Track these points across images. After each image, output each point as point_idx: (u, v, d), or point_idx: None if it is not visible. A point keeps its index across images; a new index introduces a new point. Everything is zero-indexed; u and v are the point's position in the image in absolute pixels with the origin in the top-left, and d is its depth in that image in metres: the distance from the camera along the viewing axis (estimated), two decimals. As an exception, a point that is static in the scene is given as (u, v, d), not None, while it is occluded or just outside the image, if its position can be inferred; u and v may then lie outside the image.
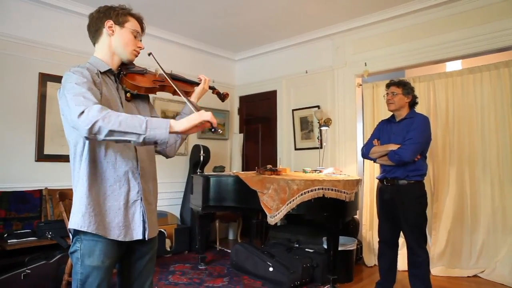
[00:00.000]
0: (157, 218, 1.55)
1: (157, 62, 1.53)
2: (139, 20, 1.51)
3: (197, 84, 1.65)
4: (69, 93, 1.23)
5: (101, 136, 1.16)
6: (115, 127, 1.15)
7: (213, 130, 1.25)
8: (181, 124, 1.22)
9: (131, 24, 1.47)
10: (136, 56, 1.51)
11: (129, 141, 1.19)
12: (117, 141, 1.23)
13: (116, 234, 1.33)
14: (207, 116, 1.24)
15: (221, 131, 1.35)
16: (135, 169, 1.41)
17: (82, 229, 1.28)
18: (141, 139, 1.18)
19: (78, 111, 1.16)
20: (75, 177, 1.35)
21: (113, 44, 1.45)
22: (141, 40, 1.51)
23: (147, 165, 1.48)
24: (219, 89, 1.81)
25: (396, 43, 3.99)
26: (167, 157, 1.67)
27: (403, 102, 2.82)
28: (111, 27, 1.43)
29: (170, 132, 1.20)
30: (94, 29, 1.46)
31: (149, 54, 1.55)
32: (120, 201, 1.36)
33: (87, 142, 1.31)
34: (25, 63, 3.56)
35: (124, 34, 1.45)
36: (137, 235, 1.39)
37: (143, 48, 1.52)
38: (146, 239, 1.41)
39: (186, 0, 3.77)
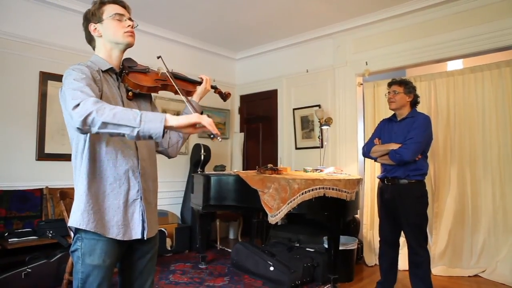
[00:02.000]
0: (157, 217, 1.54)
1: (165, 65, 1.52)
2: (116, 2, 1.46)
3: (199, 83, 1.65)
4: (67, 88, 1.23)
5: (95, 128, 1.14)
6: (109, 119, 1.13)
7: (212, 136, 1.23)
8: (177, 120, 1.19)
9: (108, 12, 1.43)
10: (132, 36, 1.45)
11: (123, 135, 1.17)
12: (111, 134, 1.20)
13: (115, 233, 1.33)
14: (205, 121, 1.21)
15: (220, 140, 1.25)
16: (136, 168, 1.41)
17: (81, 227, 1.28)
18: (135, 133, 1.15)
19: (74, 104, 1.16)
20: (76, 175, 1.34)
21: (106, 41, 1.44)
22: (130, 19, 1.46)
23: (147, 164, 1.47)
24: (220, 88, 1.80)
25: (397, 42, 3.99)
26: (169, 157, 1.66)
27: (404, 101, 2.81)
28: (95, 29, 1.43)
29: (165, 127, 1.17)
30: (88, 39, 1.48)
31: (158, 57, 1.56)
32: (119, 199, 1.35)
33: (87, 140, 1.31)
34: (26, 62, 3.56)
35: (106, 27, 1.43)
36: (136, 234, 1.38)
37: (134, 25, 1.46)
38: (145, 238, 1.41)
39: (187, -1, 3.77)
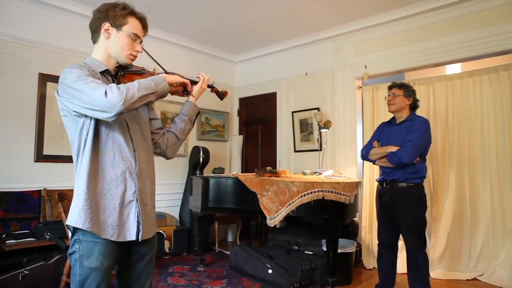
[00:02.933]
0: (155, 219, 1.54)
1: (148, 54, 1.51)
2: (142, 21, 1.46)
3: (195, 82, 1.64)
4: (77, 85, 1.24)
5: (134, 105, 1.25)
6: (141, 93, 1.27)
7: (186, 92, 1.56)
8: (169, 77, 1.44)
9: (130, 26, 1.42)
10: (133, 60, 1.48)
11: (149, 102, 1.33)
12: (139, 107, 1.31)
13: (110, 233, 1.33)
14: (187, 80, 1.53)
15: (193, 95, 1.59)
16: (133, 169, 1.41)
17: (77, 226, 1.28)
18: (155, 97, 1.34)
19: (101, 92, 1.20)
20: (77, 175, 1.35)
21: (109, 47, 1.42)
22: (141, 42, 1.47)
23: (145, 165, 1.47)
24: (218, 88, 1.80)
25: (396, 46, 4.00)
26: (167, 158, 1.67)
27: (403, 103, 2.83)
28: (108, 29, 1.40)
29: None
30: (93, 29, 1.44)
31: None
32: (115, 200, 1.35)
33: (88, 140, 1.31)
34: (25, 63, 3.55)
35: (120, 38, 1.41)
36: (131, 236, 1.38)
37: (141, 52, 1.48)
38: (140, 240, 1.40)
39: (187, 1, 3.78)
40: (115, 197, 1.35)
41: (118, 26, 1.40)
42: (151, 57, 1.52)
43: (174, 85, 1.47)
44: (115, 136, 1.37)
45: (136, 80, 1.33)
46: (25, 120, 3.55)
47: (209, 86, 1.69)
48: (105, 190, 1.34)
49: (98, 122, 1.34)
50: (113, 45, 1.42)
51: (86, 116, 1.31)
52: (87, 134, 1.32)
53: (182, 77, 1.52)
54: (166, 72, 1.51)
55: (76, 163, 1.35)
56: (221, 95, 1.79)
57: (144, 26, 1.48)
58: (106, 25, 1.40)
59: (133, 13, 1.43)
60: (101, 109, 1.21)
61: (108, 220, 1.33)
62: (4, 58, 3.43)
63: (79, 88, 1.23)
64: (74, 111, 1.29)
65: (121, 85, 1.25)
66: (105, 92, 1.19)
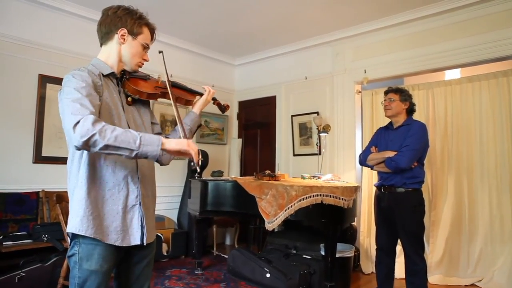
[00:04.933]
0: (155, 222, 1.54)
1: (164, 63, 1.53)
2: (152, 32, 1.50)
3: (199, 93, 1.65)
4: (67, 98, 1.22)
5: (95, 149, 1.17)
6: (111, 141, 1.17)
7: (192, 164, 1.34)
8: (170, 144, 1.27)
9: (144, 36, 1.45)
10: (140, 67, 1.51)
11: (121, 155, 1.22)
12: (108, 154, 1.25)
13: (114, 239, 1.32)
14: (192, 150, 1.30)
15: (199, 170, 1.36)
16: (135, 173, 1.41)
17: (80, 233, 1.27)
18: (133, 154, 1.21)
19: (74, 121, 1.16)
20: (72, 180, 1.33)
21: (122, 53, 1.44)
22: (146, 52, 1.51)
23: (146, 169, 1.48)
24: (219, 95, 1.82)
25: (395, 51, 4.02)
26: (161, 164, 1.66)
27: (400, 108, 2.83)
28: (124, 35, 1.41)
29: (161, 149, 1.25)
30: (106, 31, 1.43)
31: (160, 52, 1.57)
32: (118, 205, 1.35)
33: None
34: (25, 65, 3.55)
35: (134, 46, 1.43)
36: (135, 240, 1.38)
37: (148, 61, 1.51)
38: (144, 244, 1.40)
39: (187, 5, 3.79)
40: (117, 202, 1.35)
41: (134, 34, 1.43)
42: (165, 68, 1.54)
43: (180, 151, 1.30)
44: None
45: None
46: (24, 121, 3.55)
47: (212, 98, 1.71)
48: (107, 195, 1.34)
49: None
50: (126, 51, 1.43)
51: None
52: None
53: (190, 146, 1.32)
54: (170, 86, 1.51)
55: (72, 167, 1.34)
56: (223, 108, 1.80)
57: (153, 37, 1.51)
58: (123, 31, 1.41)
59: (147, 24, 1.47)
60: (67, 134, 1.21)
61: (112, 225, 1.33)
62: (4, 59, 3.43)
63: (66, 103, 1.21)
64: None
65: (101, 125, 1.17)
66: (77, 122, 1.15)
